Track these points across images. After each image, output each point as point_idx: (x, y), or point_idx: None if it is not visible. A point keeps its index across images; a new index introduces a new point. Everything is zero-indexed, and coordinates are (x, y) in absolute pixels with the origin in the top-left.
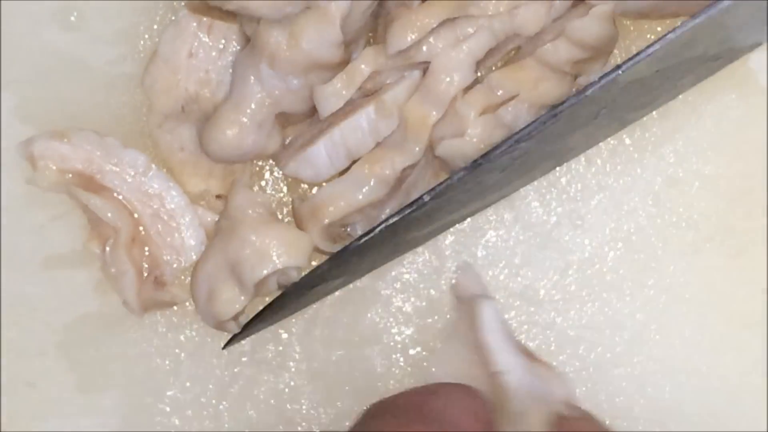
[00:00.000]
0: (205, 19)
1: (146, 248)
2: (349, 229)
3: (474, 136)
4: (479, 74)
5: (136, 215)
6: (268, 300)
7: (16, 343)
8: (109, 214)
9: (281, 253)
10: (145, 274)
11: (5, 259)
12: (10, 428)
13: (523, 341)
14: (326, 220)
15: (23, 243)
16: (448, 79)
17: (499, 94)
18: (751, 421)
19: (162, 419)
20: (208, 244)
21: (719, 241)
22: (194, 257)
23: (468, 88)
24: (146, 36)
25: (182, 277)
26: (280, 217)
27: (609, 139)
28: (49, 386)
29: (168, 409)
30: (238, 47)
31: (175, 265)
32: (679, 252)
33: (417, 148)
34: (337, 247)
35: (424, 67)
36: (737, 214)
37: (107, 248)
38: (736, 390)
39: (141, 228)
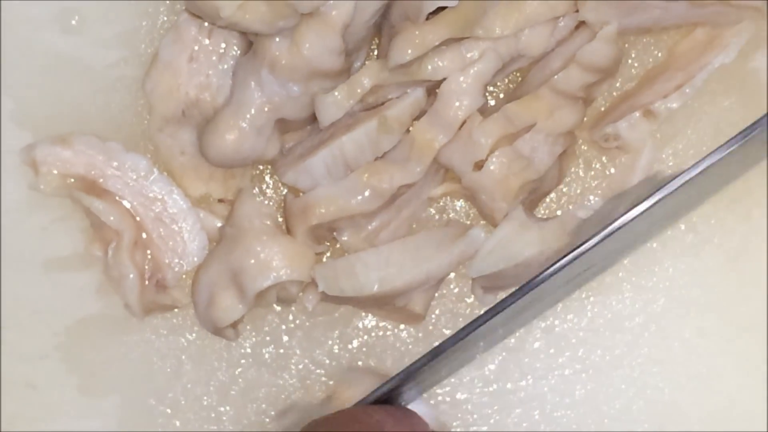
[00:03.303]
0: (205, 23)
1: (148, 252)
2: (335, 233)
3: (494, 169)
4: (489, 100)
5: (138, 219)
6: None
7: (17, 345)
8: (112, 218)
9: (284, 266)
10: (147, 277)
11: (7, 262)
12: (12, 429)
13: (522, 342)
14: (315, 221)
15: (25, 246)
16: (457, 103)
17: (515, 124)
18: (750, 423)
19: (163, 421)
20: (210, 249)
21: (718, 243)
22: (196, 261)
23: (482, 113)
24: (147, 39)
25: (183, 279)
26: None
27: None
28: (50, 388)
29: (169, 411)
30: (239, 51)
31: (176, 269)
32: (678, 254)
33: (419, 169)
34: (319, 248)
35: (428, 85)
36: (736, 216)
37: (110, 251)
38: (735, 392)
39: (143, 231)
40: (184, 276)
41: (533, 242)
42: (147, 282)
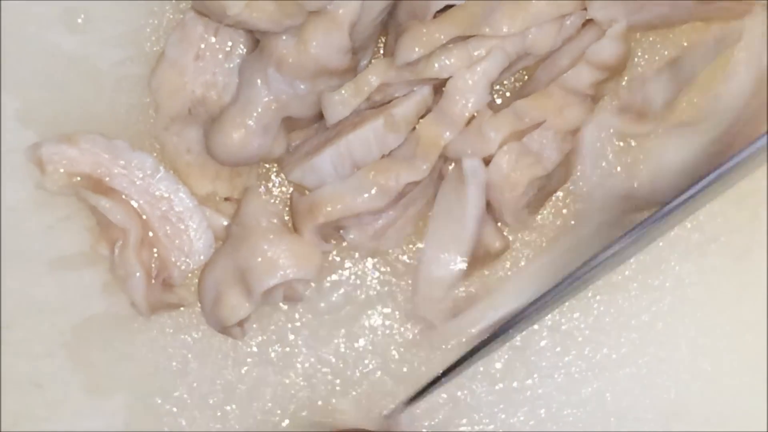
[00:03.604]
0: (211, 21)
1: (155, 250)
2: (341, 232)
3: (502, 163)
4: (495, 98)
5: (144, 217)
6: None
7: (23, 343)
8: (119, 216)
9: (291, 265)
10: (154, 276)
11: (13, 261)
12: (17, 429)
13: (529, 341)
14: (322, 219)
15: (31, 244)
16: (463, 101)
17: (525, 121)
18: (758, 422)
19: (169, 420)
20: (216, 247)
21: (724, 242)
22: (202, 259)
23: (492, 109)
24: (153, 38)
25: (190, 278)
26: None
27: (614, 139)
28: (56, 387)
29: (175, 409)
30: (245, 50)
31: (183, 267)
32: (684, 253)
33: (425, 166)
34: (326, 246)
35: (435, 83)
36: (742, 216)
37: (116, 250)
38: (741, 390)
39: (149, 230)
40: (190, 275)
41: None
42: (153, 281)
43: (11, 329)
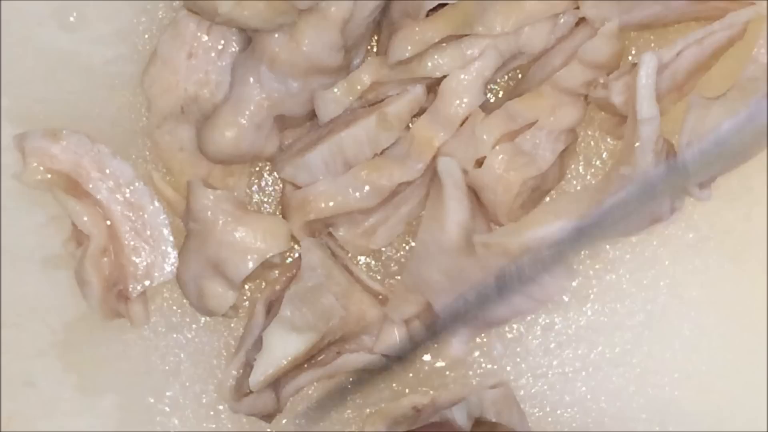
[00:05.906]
0: (204, 19)
1: (116, 260)
2: (330, 229)
3: (494, 164)
4: (488, 97)
5: (112, 226)
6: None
7: (15, 342)
8: (85, 218)
9: (261, 245)
10: (111, 285)
11: (5, 259)
12: (10, 428)
13: (522, 340)
14: (312, 216)
15: (23, 242)
16: (457, 101)
17: (518, 121)
18: (751, 421)
19: (162, 419)
20: (183, 246)
21: (719, 241)
22: (162, 280)
23: (483, 110)
24: (146, 36)
25: (152, 295)
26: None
27: (608, 138)
28: (48, 386)
29: (167, 409)
30: (238, 48)
31: (139, 285)
32: (678, 251)
33: (419, 166)
34: (315, 242)
35: (428, 82)
36: (736, 214)
37: (78, 253)
38: (736, 390)
39: (115, 240)
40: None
41: (720, 110)
42: (110, 289)
43: (4, 328)
